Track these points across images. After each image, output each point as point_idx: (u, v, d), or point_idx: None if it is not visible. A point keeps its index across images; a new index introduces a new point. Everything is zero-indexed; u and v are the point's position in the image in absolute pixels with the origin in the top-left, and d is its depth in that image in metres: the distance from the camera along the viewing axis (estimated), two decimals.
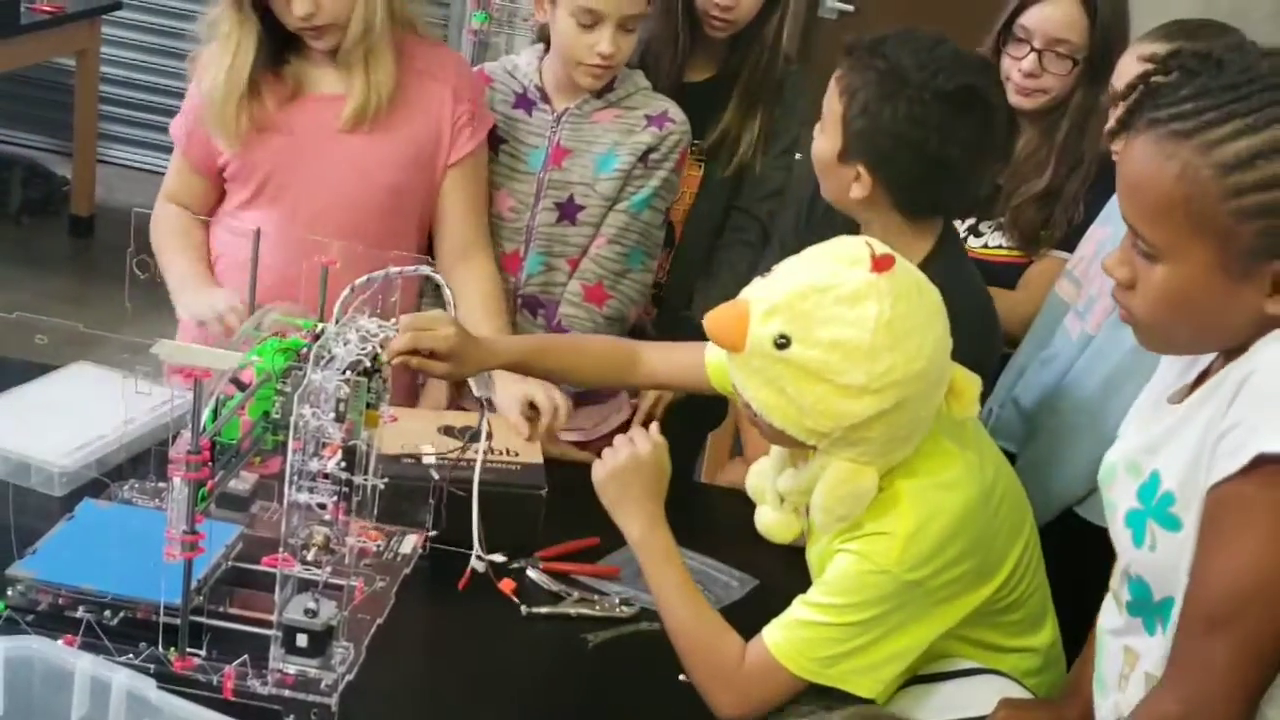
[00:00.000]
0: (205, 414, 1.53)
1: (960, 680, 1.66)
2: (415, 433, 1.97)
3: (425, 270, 1.77)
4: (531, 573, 1.86)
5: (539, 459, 1.99)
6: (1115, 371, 1.96)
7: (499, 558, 1.83)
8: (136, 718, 1.24)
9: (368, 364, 1.59)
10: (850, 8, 4.94)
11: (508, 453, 1.98)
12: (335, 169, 2.15)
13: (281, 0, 2.06)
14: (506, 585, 1.81)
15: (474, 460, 1.90)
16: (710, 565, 1.93)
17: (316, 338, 1.65)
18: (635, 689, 1.69)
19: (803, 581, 1.74)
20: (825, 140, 1.88)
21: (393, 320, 1.68)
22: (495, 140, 2.28)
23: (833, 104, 1.86)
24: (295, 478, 1.49)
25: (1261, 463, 1.20)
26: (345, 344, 1.60)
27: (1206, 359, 1.39)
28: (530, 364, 1.93)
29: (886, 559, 1.53)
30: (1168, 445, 1.34)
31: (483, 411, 1.84)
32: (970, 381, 1.60)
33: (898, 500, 1.55)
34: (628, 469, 1.69)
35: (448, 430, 2.01)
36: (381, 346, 1.64)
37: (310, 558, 1.49)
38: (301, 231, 2.00)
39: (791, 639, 1.58)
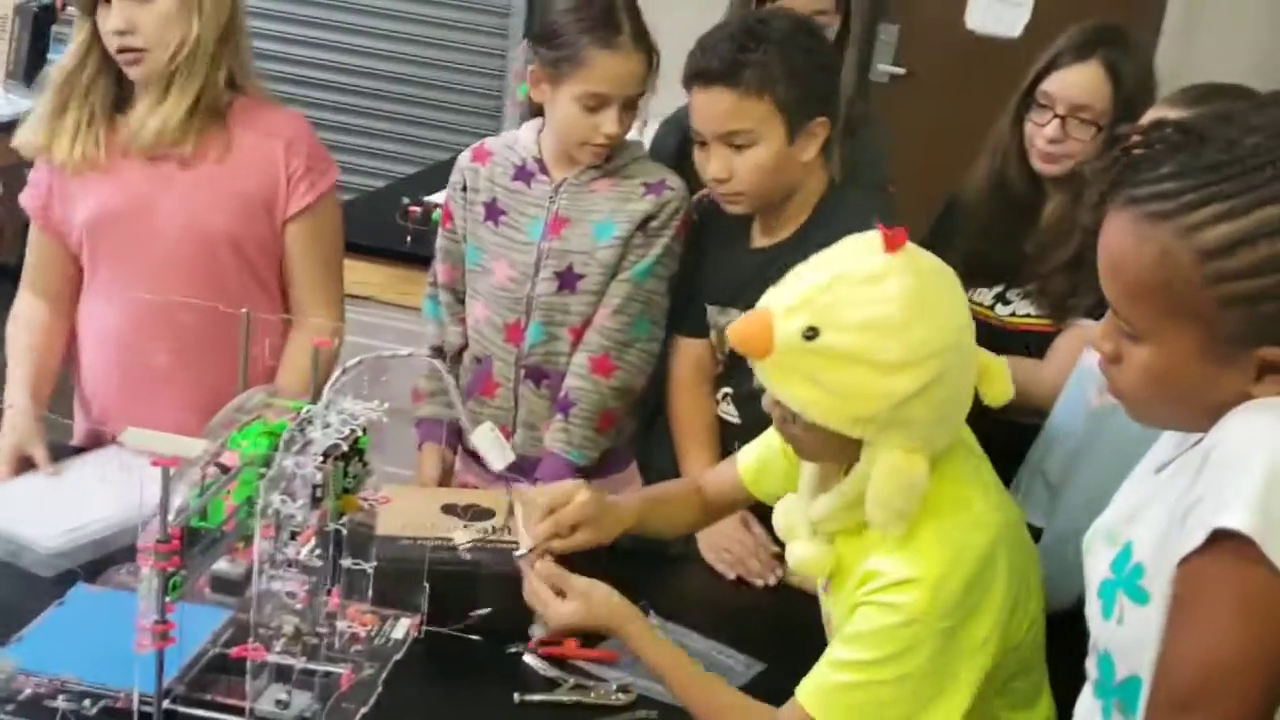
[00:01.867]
0: (187, 497, 1.53)
1: None
2: (416, 512, 1.94)
3: (421, 355, 1.76)
4: (528, 657, 1.82)
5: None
6: (1125, 444, 1.89)
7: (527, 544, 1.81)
8: None
9: (345, 448, 1.57)
10: (901, 71, 4.90)
11: (509, 532, 1.95)
12: (171, 223, 2.15)
13: (102, 17, 2.08)
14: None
15: (475, 541, 1.89)
16: (713, 647, 1.88)
17: (302, 422, 1.64)
18: None
19: (809, 663, 1.69)
20: None
21: (377, 402, 1.66)
22: (495, 213, 2.28)
23: None
24: (265, 565, 1.47)
25: (1219, 538, 1.15)
26: (325, 427, 1.58)
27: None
28: (645, 523, 1.93)
29: (916, 608, 1.48)
30: (1143, 515, 1.29)
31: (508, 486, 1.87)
32: (999, 363, 1.57)
33: (921, 543, 1.50)
34: (573, 626, 1.74)
35: (449, 509, 1.98)
36: (364, 430, 1.61)
37: (279, 648, 1.47)
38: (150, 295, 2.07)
39: (823, 693, 1.54)
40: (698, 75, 2.06)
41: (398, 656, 1.76)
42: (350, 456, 1.60)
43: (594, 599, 1.72)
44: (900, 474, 1.47)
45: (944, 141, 3.78)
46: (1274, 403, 1.21)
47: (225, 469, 1.60)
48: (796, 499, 1.68)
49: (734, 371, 2.18)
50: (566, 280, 2.26)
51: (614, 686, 1.78)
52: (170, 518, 1.44)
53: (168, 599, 1.45)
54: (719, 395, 2.25)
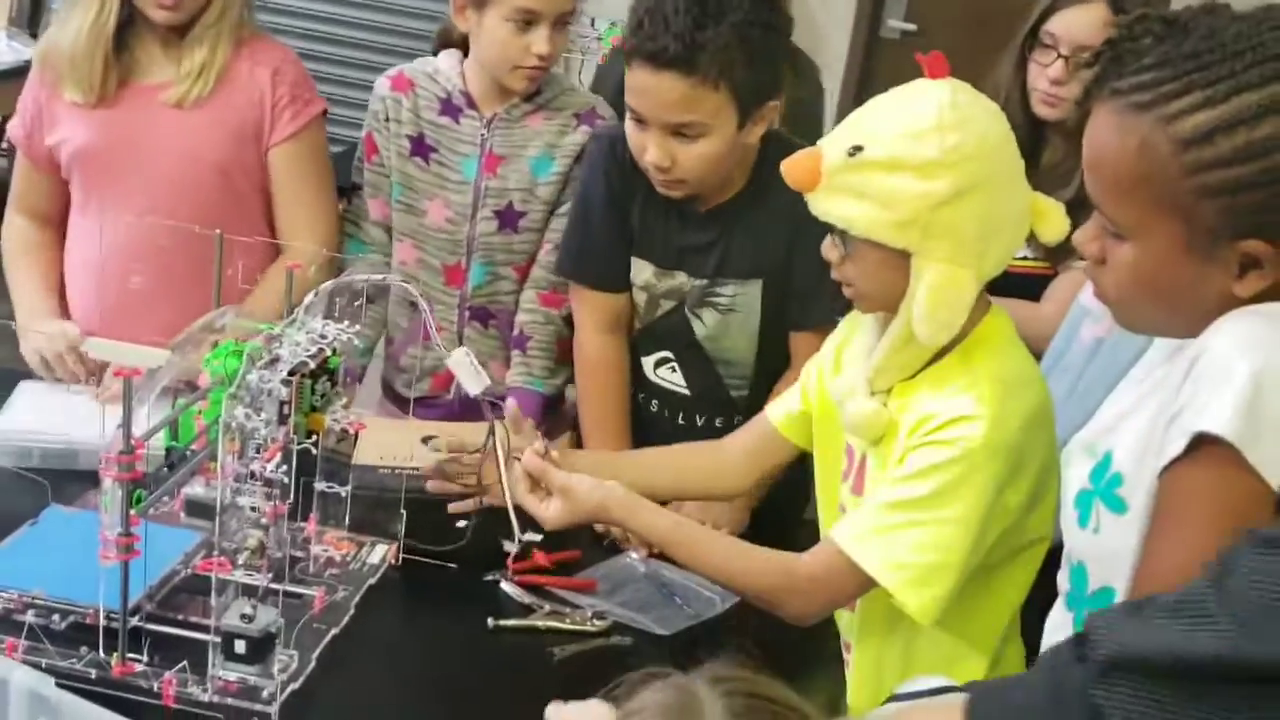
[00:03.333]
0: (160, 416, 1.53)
1: (932, 700, 1.57)
2: (395, 444, 1.93)
3: (394, 279, 1.75)
4: (505, 585, 1.81)
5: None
6: (1119, 377, 1.87)
7: (536, 536, 1.74)
8: (34, 716, 1.20)
9: (313, 366, 1.56)
10: (913, 27, 4.86)
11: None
12: (164, 153, 2.16)
13: None
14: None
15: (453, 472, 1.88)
16: (692, 579, 1.86)
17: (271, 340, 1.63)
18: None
19: None
20: None
21: (346, 323, 1.65)
22: (425, 149, 2.22)
23: None
24: (230, 481, 1.46)
25: (1202, 443, 1.13)
26: (295, 345, 1.57)
27: (1191, 342, 1.30)
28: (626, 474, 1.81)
29: (972, 442, 1.48)
30: (1124, 425, 1.28)
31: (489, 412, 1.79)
32: (1053, 204, 1.57)
33: (979, 386, 1.51)
34: (565, 521, 1.70)
35: (427, 439, 1.97)
36: (334, 351, 1.60)
37: (243, 562, 1.46)
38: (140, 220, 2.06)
39: (863, 535, 1.53)
40: (646, 55, 1.84)
41: (372, 581, 1.75)
42: (318, 375, 1.59)
43: (577, 493, 1.68)
44: (945, 286, 1.48)
45: None
46: (1260, 309, 1.19)
47: (195, 387, 1.60)
48: (856, 365, 1.66)
49: (672, 334, 2.09)
50: (507, 219, 2.21)
51: (589, 613, 1.77)
52: (135, 431, 1.43)
53: (132, 511, 1.44)
54: (653, 360, 2.13)
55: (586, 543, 1.94)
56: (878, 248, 1.50)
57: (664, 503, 1.76)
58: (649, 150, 1.89)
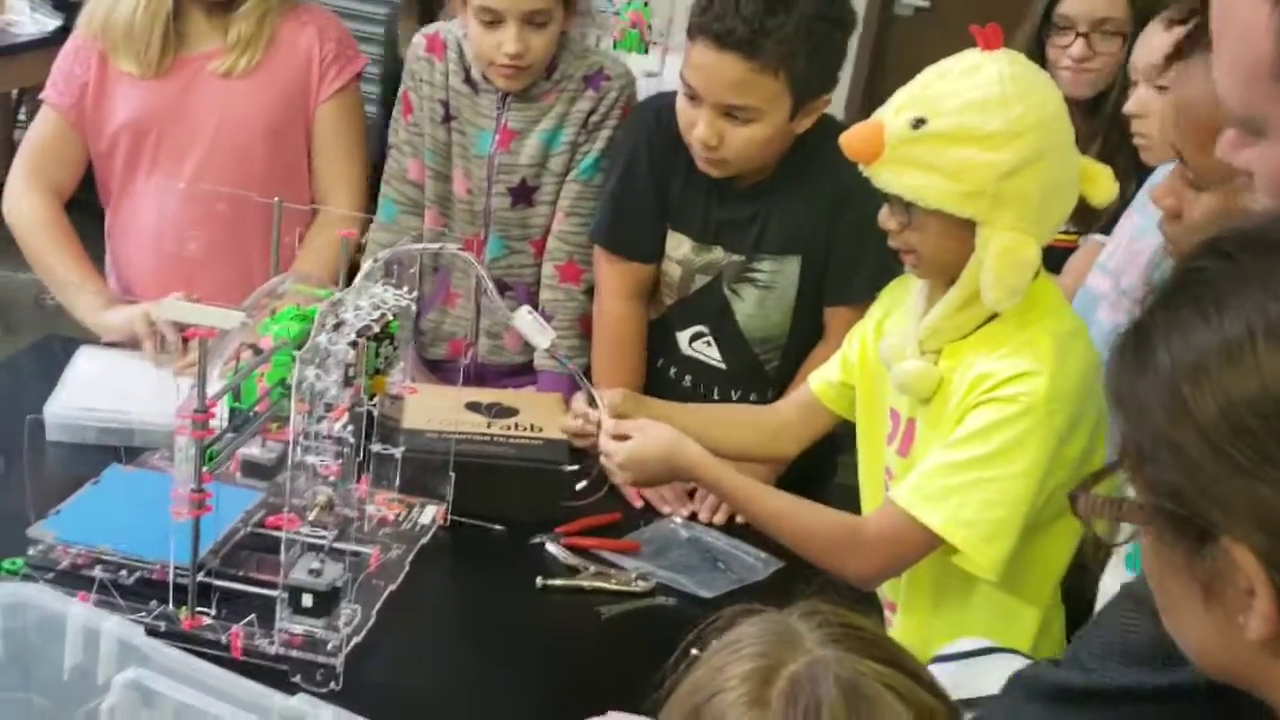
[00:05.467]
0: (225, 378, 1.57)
1: (974, 660, 1.63)
2: (441, 409, 1.97)
3: (451, 248, 1.79)
4: (551, 547, 1.86)
5: (564, 435, 1.98)
6: None
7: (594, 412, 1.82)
8: (125, 664, 1.25)
9: (377, 330, 1.60)
10: (926, 4, 4.90)
11: (532, 428, 1.98)
12: (215, 122, 2.20)
13: None
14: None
15: (498, 436, 1.93)
16: (735, 545, 1.92)
17: (334, 304, 1.67)
18: (645, 662, 1.66)
19: None
20: None
21: (406, 289, 1.69)
22: (449, 116, 2.24)
23: None
24: (300, 439, 1.51)
25: None
26: (357, 310, 1.61)
27: None
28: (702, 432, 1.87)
29: (1034, 397, 1.54)
30: None
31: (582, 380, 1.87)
32: (1101, 167, 1.64)
33: (1036, 342, 1.57)
34: (636, 456, 1.73)
35: (473, 406, 2.02)
36: (394, 315, 1.65)
37: (313, 518, 1.51)
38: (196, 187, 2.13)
39: (929, 495, 1.58)
40: (712, 35, 1.87)
41: (424, 540, 1.80)
42: (381, 339, 1.64)
43: (649, 431, 1.74)
44: (1013, 253, 1.53)
45: None
46: None
47: (259, 351, 1.64)
48: (905, 326, 1.71)
49: (708, 309, 2.12)
50: (520, 194, 2.23)
51: (633, 575, 1.82)
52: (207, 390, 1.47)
53: (205, 469, 1.49)
54: (688, 334, 2.16)
55: (627, 506, 1.99)
56: (942, 217, 1.55)
57: None
58: (699, 126, 1.92)
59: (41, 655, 1.30)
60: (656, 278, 2.14)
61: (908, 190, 1.56)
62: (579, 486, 1.86)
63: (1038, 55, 2.39)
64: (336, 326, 1.57)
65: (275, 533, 1.66)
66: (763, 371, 2.13)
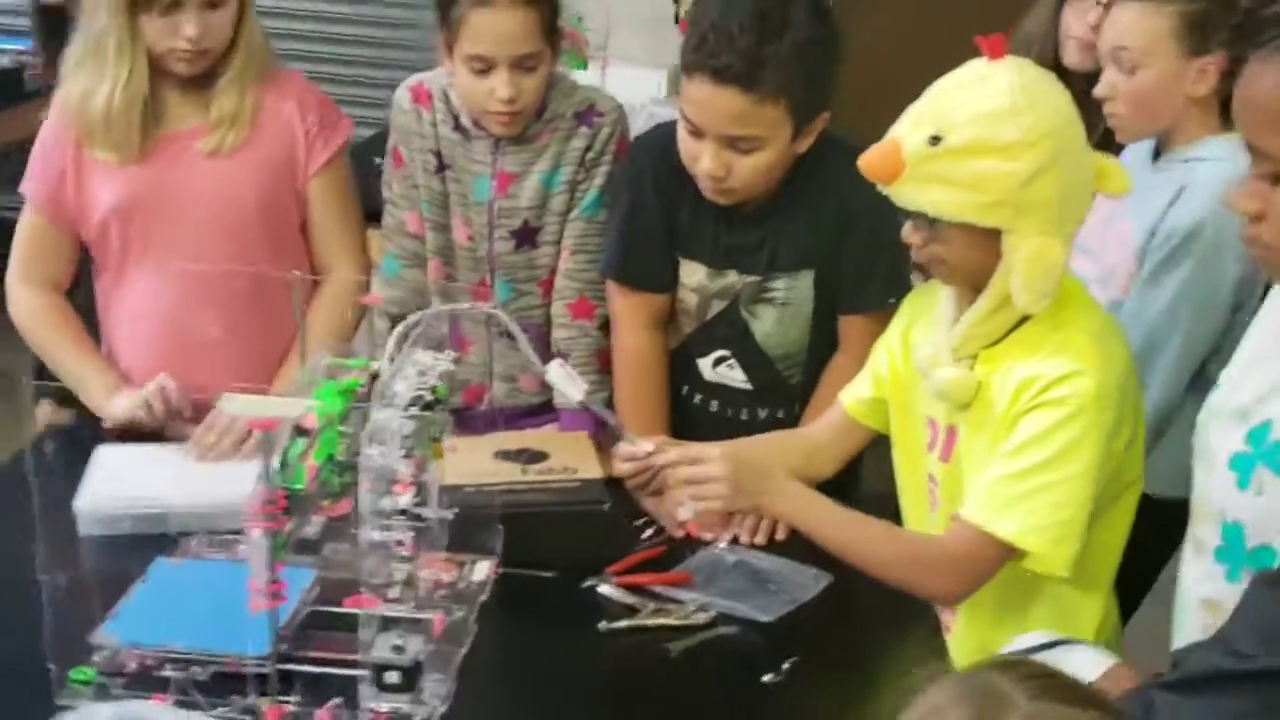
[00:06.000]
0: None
1: (1041, 655, 1.65)
2: (473, 461, 1.97)
3: (484, 309, 1.79)
4: (604, 588, 1.86)
5: (598, 473, 1.99)
6: (1152, 332, 1.97)
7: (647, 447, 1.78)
8: None
9: (429, 398, 1.60)
10: None
11: (566, 471, 1.98)
12: (203, 201, 2.17)
13: (164, 24, 2.06)
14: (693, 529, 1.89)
15: (536, 482, 1.93)
16: (783, 565, 1.93)
17: (373, 377, 1.67)
18: (723, 692, 1.70)
19: None
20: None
21: (447, 352, 1.68)
22: (443, 165, 2.22)
23: None
24: (368, 517, 1.50)
25: None
26: (404, 380, 1.61)
27: None
28: None
29: (1084, 397, 1.57)
30: None
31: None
32: (1113, 161, 1.67)
33: (1076, 342, 1.61)
34: (732, 471, 1.70)
35: (503, 455, 2.02)
36: (440, 379, 1.64)
37: (395, 595, 1.50)
38: (181, 269, 2.11)
39: (998, 508, 1.60)
40: (709, 71, 1.86)
41: (483, 598, 1.80)
42: (432, 405, 1.63)
43: (728, 451, 1.73)
44: (1041, 257, 1.56)
45: (908, 61, 3.76)
46: None
47: (305, 431, 1.63)
48: (936, 333, 1.73)
49: (728, 333, 2.12)
50: (524, 237, 2.22)
51: (692, 607, 1.83)
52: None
53: (277, 558, 1.48)
54: (710, 360, 2.16)
55: (671, 538, 2.00)
56: (966, 228, 1.57)
57: None
58: (704, 160, 1.92)
59: None
60: (672, 306, 2.14)
61: (931, 206, 1.58)
62: (645, 536, 1.89)
63: (1056, 17, 2.42)
64: (389, 399, 1.56)
65: (334, 610, 1.67)
66: (787, 386, 2.14)
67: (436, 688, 1.58)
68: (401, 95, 2.24)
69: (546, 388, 2.29)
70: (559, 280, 2.24)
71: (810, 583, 1.90)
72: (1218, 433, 1.42)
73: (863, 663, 1.77)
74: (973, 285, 1.66)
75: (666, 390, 2.16)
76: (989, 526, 1.60)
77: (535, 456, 2.02)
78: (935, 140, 1.55)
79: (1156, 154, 2.12)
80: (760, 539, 1.99)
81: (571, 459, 2.02)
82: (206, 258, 2.14)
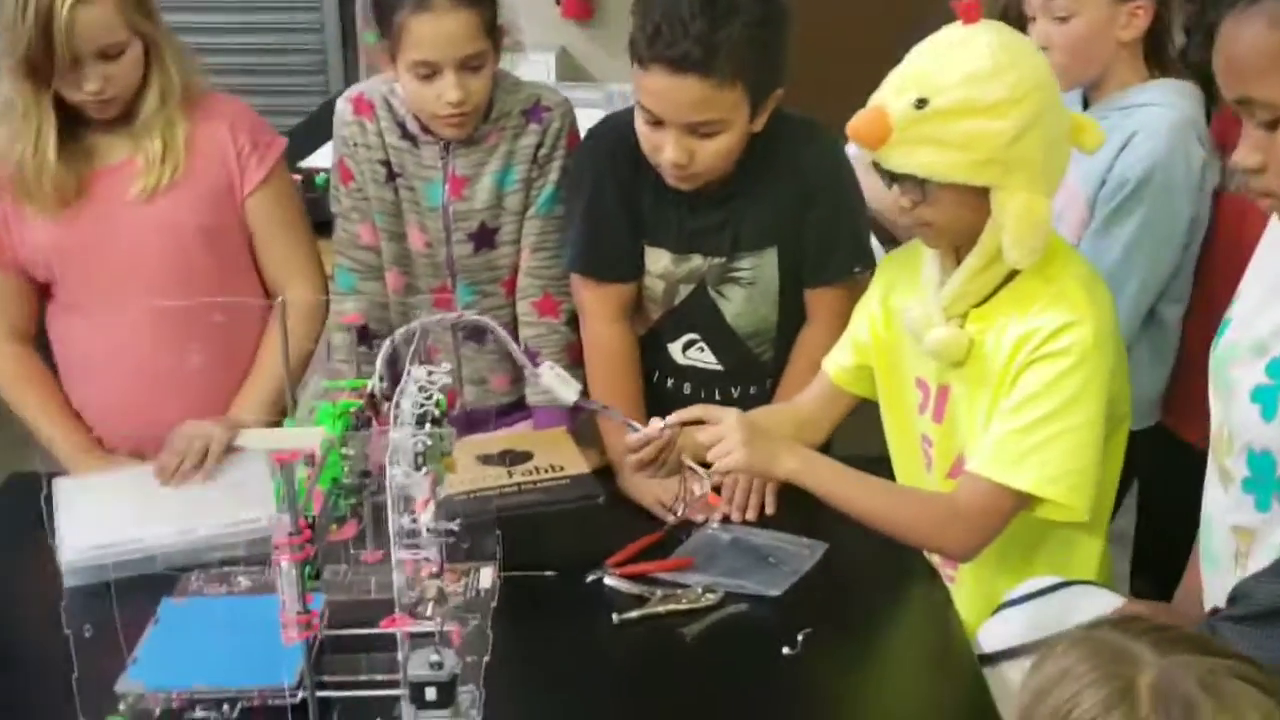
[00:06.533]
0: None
1: (1047, 598, 1.72)
2: (458, 468, 1.97)
3: (471, 316, 1.80)
4: (609, 580, 1.88)
5: (584, 467, 2.01)
6: (1109, 278, 2.03)
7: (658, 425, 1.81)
8: None
9: (436, 413, 1.60)
10: None
11: (553, 469, 2.00)
12: (144, 233, 2.14)
13: (69, 78, 2.04)
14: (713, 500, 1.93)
15: (526, 483, 1.95)
16: (775, 538, 1.97)
17: (370, 396, 1.67)
18: (745, 669, 1.73)
19: (867, 535, 1.80)
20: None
21: (443, 365, 1.68)
22: (393, 174, 2.22)
23: None
24: (396, 537, 1.50)
25: None
26: (409, 398, 1.61)
27: None
28: None
29: (1084, 345, 1.63)
30: None
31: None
32: (1087, 118, 1.75)
33: (1069, 292, 1.67)
34: (746, 432, 1.74)
35: (486, 459, 2.02)
36: (442, 392, 1.64)
37: (430, 613, 1.51)
38: (133, 304, 2.12)
39: (1012, 461, 1.65)
40: (666, 61, 1.87)
41: (494, 603, 1.80)
42: (439, 420, 1.63)
43: (739, 414, 1.78)
44: (1030, 212, 1.61)
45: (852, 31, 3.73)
46: None
47: (309, 459, 1.62)
48: (925, 296, 1.77)
49: (697, 316, 2.16)
50: (482, 239, 2.23)
51: (699, 590, 1.86)
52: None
53: (305, 589, 1.48)
54: (680, 344, 2.20)
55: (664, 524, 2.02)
56: (956, 189, 1.62)
57: None
58: (666, 149, 1.93)
59: None
60: (638, 295, 2.16)
61: (922, 168, 1.62)
62: (671, 520, 1.95)
63: None
64: (396, 419, 1.56)
65: (344, 633, 1.66)
66: (758, 364, 2.17)
67: (468, 699, 1.59)
68: (343, 108, 2.22)
69: (516, 387, 2.32)
70: (522, 279, 2.24)
71: (807, 553, 1.94)
72: (1237, 368, 1.48)
73: (874, 624, 1.82)
74: (956, 247, 1.70)
75: (639, 378, 2.18)
76: (1005, 480, 1.65)
77: (519, 458, 2.03)
78: (922, 103, 1.59)
79: (1085, 104, 2.18)
80: (751, 515, 2.02)
81: (555, 456, 2.03)
82: (154, 290, 2.12)
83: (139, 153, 2.13)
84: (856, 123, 1.63)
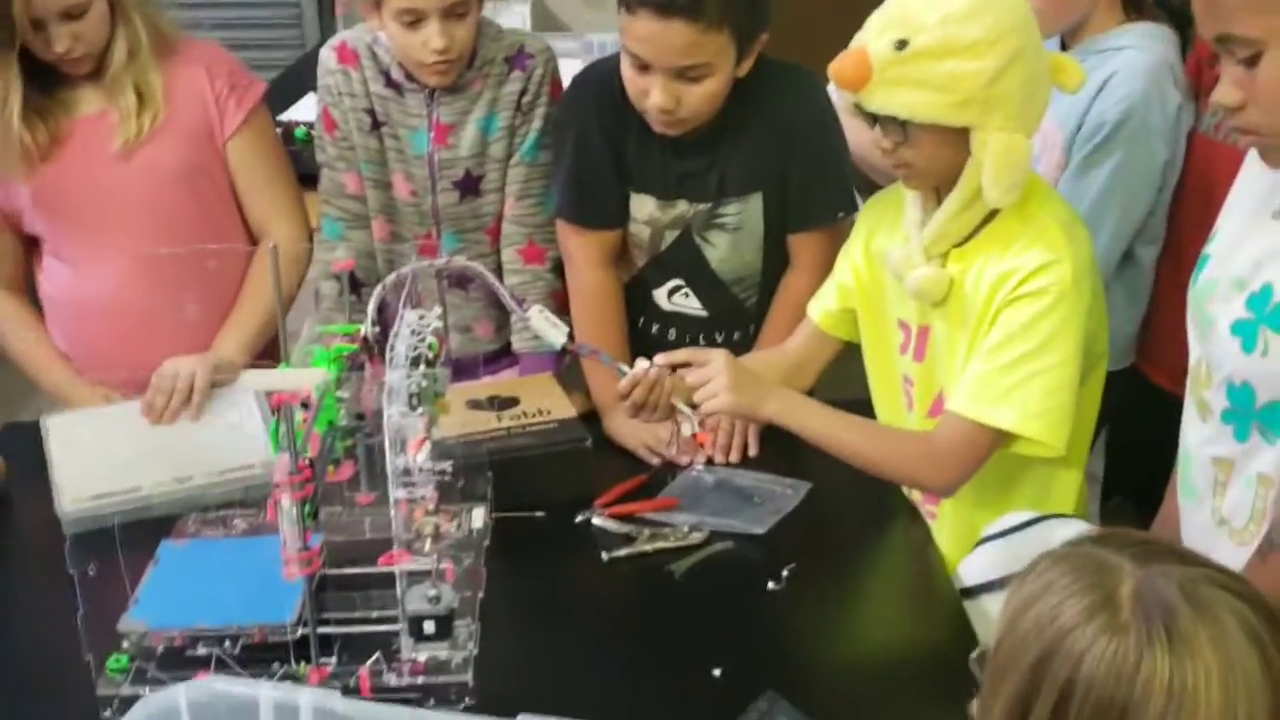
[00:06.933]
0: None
1: (1025, 531, 1.77)
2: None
3: (459, 261, 1.82)
4: (597, 520, 1.93)
5: (571, 411, 2.05)
6: (1086, 220, 2.08)
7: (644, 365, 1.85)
8: None
9: (429, 355, 1.64)
10: None
11: (541, 414, 2.04)
12: (127, 178, 2.17)
13: (37, 39, 2.05)
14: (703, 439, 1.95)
15: (515, 427, 1.99)
16: (764, 480, 2.02)
17: (364, 340, 1.70)
18: (732, 603, 1.78)
19: (849, 475, 1.85)
20: None
21: (435, 309, 1.72)
22: (378, 123, 2.23)
23: None
24: (394, 476, 1.54)
25: None
26: (403, 340, 1.64)
27: None
28: None
29: (1062, 284, 1.67)
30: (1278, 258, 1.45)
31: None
32: (1066, 57, 1.79)
33: (1047, 232, 1.71)
34: (734, 373, 1.78)
35: (475, 404, 2.06)
36: (435, 335, 1.68)
37: (427, 549, 1.55)
38: (119, 251, 2.15)
39: (991, 399, 1.70)
40: (653, 6, 1.88)
41: (486, 542, 1.85)
42: (432, 362, 1.67)
43: (728, 355, 1.82)
44: (1010, 152, 1.65)
45: None
46: None
47: (305, 402, 1.65)
48: (907, 238, 1.81)
49: (682, 262, 2.19)
50: (467, 186, 2.25)
51: (686, 528, 1.90)
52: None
53: (306, 526, 1.52)
54: (666, 290, 2.23)
55: (649, 466, 2.07)
56: (936, 129, 1.65)
57: None
58: (653, 94, 1.95)
59: None
60: (623, 241, 2.19)
61: (903, 109, 1.65)
62: (656, 462, 2.02)
63: None
64: (390, 360, 1.60)
65: (340, 572, 1.70)
66: (742, 309, 2.21)
67: (465, 632, 1.63)
68: (327, 56, 2.24)
69: (501, 334, 2.35)
70: (506, 226, 2.27)
71: (791, 493, 1.99)
72: (1216, 303, 1.52)
73: (857, 560, 1.88)
74: (937, 188, 1.74)
75: (624, 324, 2.22)
76: (985, 418, 1.70)
77: (506, 403, 2.07)
78: (902, 45, 1.62)
79: (1063, 47, 2.22)
80: (734, 457, 2.07)
81: (542, 401, 2.07)
82: (137, 237, 2.15)
83: (113, 106, 2.15)
84: (838, 65, 1.66)
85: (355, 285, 2.21)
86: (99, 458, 2.02)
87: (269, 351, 2.27)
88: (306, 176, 2.38)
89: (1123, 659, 0.96)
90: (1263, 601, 1.00)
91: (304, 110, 3.11)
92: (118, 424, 2.10)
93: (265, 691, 1.32)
